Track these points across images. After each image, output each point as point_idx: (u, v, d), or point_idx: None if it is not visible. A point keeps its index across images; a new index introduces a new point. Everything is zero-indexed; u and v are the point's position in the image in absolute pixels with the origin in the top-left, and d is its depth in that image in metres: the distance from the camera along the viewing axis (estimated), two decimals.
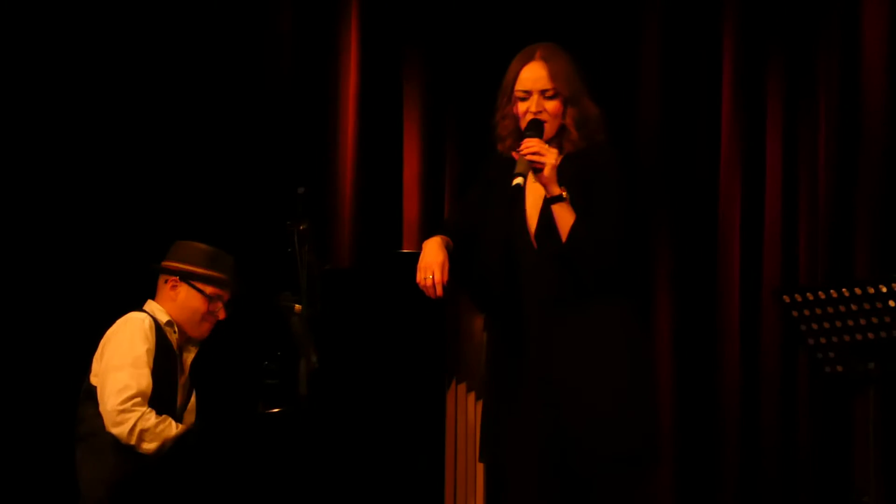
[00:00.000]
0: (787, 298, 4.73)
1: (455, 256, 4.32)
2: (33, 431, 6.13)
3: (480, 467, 4.86)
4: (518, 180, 4.20)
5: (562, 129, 4.37)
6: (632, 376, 4.32)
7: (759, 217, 6.26)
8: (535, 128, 4.32)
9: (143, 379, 4.91)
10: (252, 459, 4.51)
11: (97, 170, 6.32)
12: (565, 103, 4.35)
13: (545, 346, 4.31)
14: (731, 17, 6.32)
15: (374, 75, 6.51)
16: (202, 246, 5.15)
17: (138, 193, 6.32)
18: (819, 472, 6.09)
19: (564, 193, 4.26)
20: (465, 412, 4.77)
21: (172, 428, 4.92)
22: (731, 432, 6.21)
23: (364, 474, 4.45)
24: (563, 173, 4.33)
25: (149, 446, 4.87)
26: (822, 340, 4.70)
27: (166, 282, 5.12)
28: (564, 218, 4.27)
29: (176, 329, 5.10)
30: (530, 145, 4.25)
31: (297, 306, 4.67)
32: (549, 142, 4.35)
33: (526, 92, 4.36)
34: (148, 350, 4.96)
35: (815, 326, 4.69)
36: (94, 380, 4.98)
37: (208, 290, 5.10)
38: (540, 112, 4.34)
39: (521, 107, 4.36)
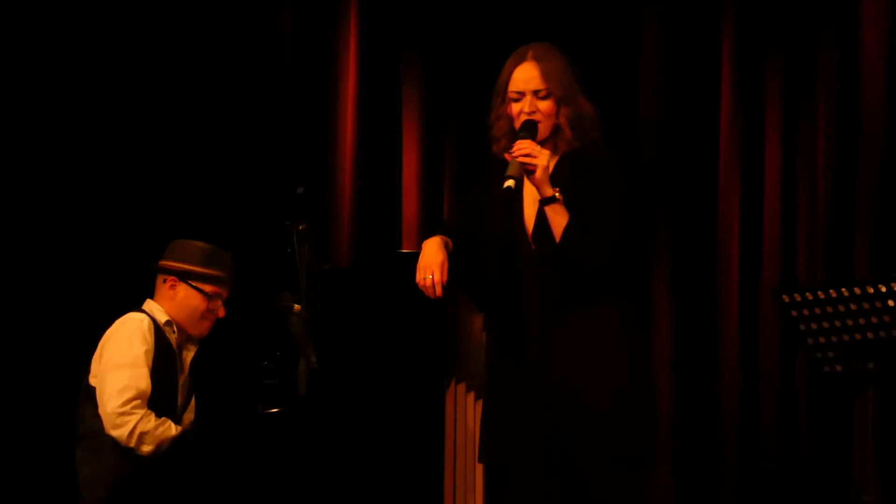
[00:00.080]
0: (786, 298, 4.73)
1: (454, 256, 4.32)
2: (33, 432, 6.12)
3: (480, 467, 4.86)
4: (509, 183, 4.20)
5: (556, 129, 4.37)
6: (631, 376, 4.32)
7: (758, 217, 6.26)
8: (528, 129, 4.32)
9: (142, 380, 4.91)
10: (251, 459, 4.51)
11: (96, 170, 6.31)
12: (558, 103, 4.35)
13: (544, 345, 4.31)
14: (731, 16, 6.32)
15: (374, 75, 6.51)
16: (199, 244, 5.15)
17: (138, 193, 6.32)
18: (818, 472, 6.09)
19: (557, 194, 4.26)
20: (465, 412, 4.77)
21: (172, 430, 4.92)
22: (730, 432, 6.21)
23: (363, 474, 4.45)
24: (559, 173, 4.34)
25: (149, 448, 4.87)
26: (822, 340, 4.70)
27: (165, 281, 5.12)
28: (558, 219, 4.27)
29: (175, 328, 5.10)
30: (522, 147, 4.24)
31: (297, 306, 4.67)
32: (543, 142, 4.35)
33: (519, 93, 4.36)
34: (146, 351, 4.96)
35: (814, 326, 4.69)
36: (92, 381, 4.98)
37: (207, 288, 5.10)
38: (533, 112, 4.34)
39: (515, 107, 4.37)
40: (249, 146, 6.41)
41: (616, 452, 4.27)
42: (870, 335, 4.62)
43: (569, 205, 4.27)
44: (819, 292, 4.67)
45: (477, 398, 4.79)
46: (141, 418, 4.87)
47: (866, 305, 4.59)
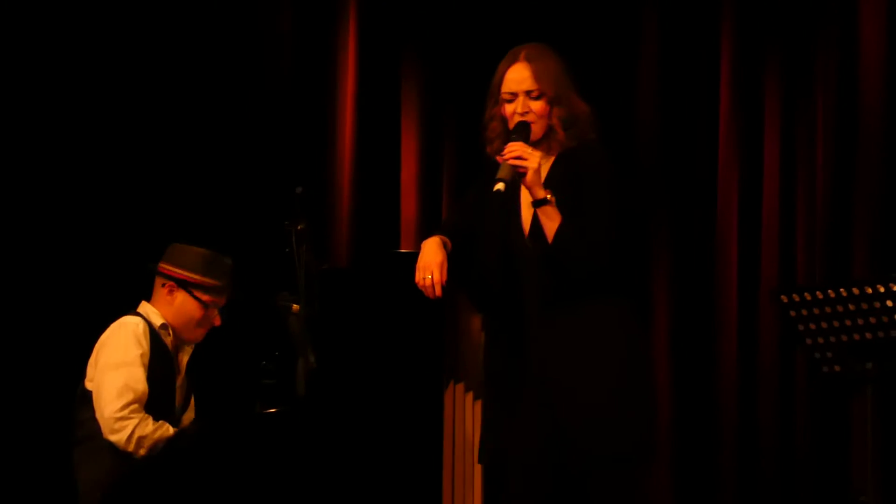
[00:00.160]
0: (784, 298, 4.73)
1: (453, 257, 4.32)
2: (30, 435, 6.11)
3: (478, 467, 4.86)
4: (498, 186, 4.20)
5: (550, 130, 4.37)
6: (629, 376, 4.32)
7: (756, 217, 6.26)
8: (521, 131, 4.32)
9: (138, 385, 4.90)
10: (250, 459, 4.51)
11: (94, 170, 6.31)
12: (551, 103, 4.35)
13: (543, 345, 4.31)
14: (729, 16, 6.32)
15: (373, 75, 6.51)
16: (201, 251, 5.11)
17: (136, 193, 6.31)
18: (817, 472, 6.09)
19: (549, 196, 4.26)
20: (464, 412, 4.77)
21: (169, 432, 4.91)
22: (728, 432, 6.21)
23: (362, 474, 4.45)
24: (554, 174, 4.34)
25: (147, 452, 4.86)
26: (820, 340, 4.71)
27: (163, 285, 5.10)
28: (550, 220, 4.27)
29: (170, 332, 5.08)
30: (513, 149, 4.24)
31: (295, 306, 4.67)
32: (537, 142, 4.36)
33: (511, 94, 4.36)
34: (142, 355, 4.94)
35: (812, 326, 4.69)
36: (89, 384, 4.97)
37: (205, 297, 5.08)
38: (526, 113, 4.34)
39: (508, 108, 4.37)
40: (248, 146, 6.40)
41: (614, 452, 4.27)
42: (868, 335, 4.62)
43: (563, 206, 4.27)
44: (818, 292, 4.67)
45: (476, 398, 4.79)
46: (139, 422, 4.86)
47: (865, 306, 4.59)
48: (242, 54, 6.45)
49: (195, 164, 6.36)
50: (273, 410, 4.57)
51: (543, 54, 4.39)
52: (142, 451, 4.86)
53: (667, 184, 6.33)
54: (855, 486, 5.88)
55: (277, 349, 4.74)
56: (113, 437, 4.86)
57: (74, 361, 5.08)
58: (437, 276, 4.24)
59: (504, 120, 4.38)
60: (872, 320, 4.61)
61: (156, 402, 4.94)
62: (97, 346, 5.00)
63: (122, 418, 4.85)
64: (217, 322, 5.12)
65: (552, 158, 4.39)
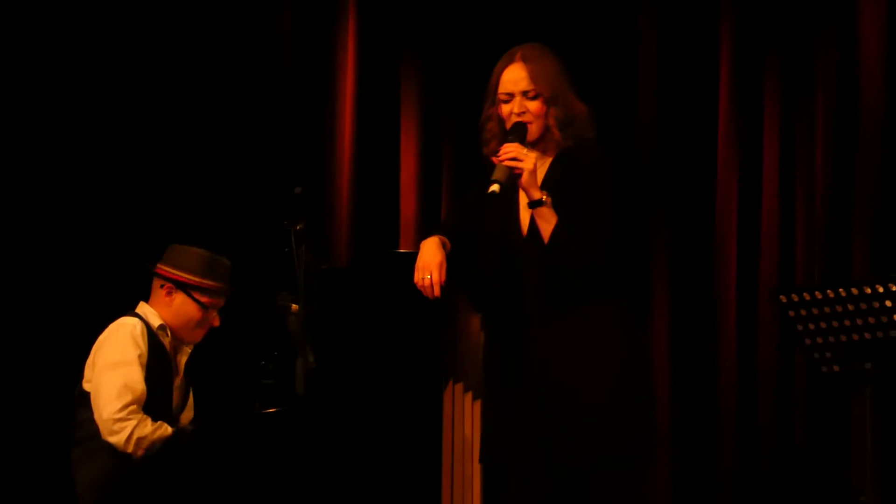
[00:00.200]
0: (783, 298, 4.74)
1: (452, 257, 4.32)
2: (28, 436, 6.10)
3: (478, 467, 4.85)
4: (493, 188, 4.20)
5: (546, 130, 4.37)
6: (628, 375, 4.32)
7: (756, 216, 6.26)
8: (517, 132, 4.32)
9: (136, 386, 4.90)
10: (249, 459, 4.51)
11: (93, 171, 6.30)
12: (548, 103, 4.35)
13: (543, 345, 4.31)
14: (729, 16, 6.31)
15: (372, 75, 6.50)
16: (200, 252, 5.10)
17: (135, 194, 6.31)
18: (816, 472, 6.09)
19: (545, 197, 4.26)
20: (463, 412, 4.77)
21: (168, 433, 4.90)
22: (727, 432, 6.21)
23: (361, 474, 4.45)
24: (552, 174, 4.34)
25: (146, 453, 4.86)
26: (819, 340, 4.71)
27: (162, 286, 5.09)
28: (546, 221, 4.27)
29: (168, 332, 5.08)
30: (508, 151, 4.25)
31: (294, 306, 4.67)
32: (535, 143, 4.36)
33: (508, 94, 4.36)
34: (140, 356, 4.93)
35: (811, 326, 4.70)
36: (86, 385, 4.96)
37: (204, 299, 5.07)
38: (523, 113, 4.35)
39: (505, 109, 4.37)
40: (248, 146, 6.40)
41: (614, 452, 4.27)
42: (867, 335, 4.62)
43: (561, 206, 4.27)
44: (817, 292, 4.67)
45: (475, 398, 4.79)
46: (137, 424, 4.85)
47: (864, 306, 4.59)
48: (242, 54, 6.44)
49: (194, 164, 6.36)
50: (272, 410, 4.57)
51: (540, 54, 4.39)
52: (140, 452, 4.86)
53: (666, 184, 6.32)
54: (854, 486, 5.87)
55: (277, 349, 4.74)
56: (112, 439, 4.85)
57: (72, 362, 5.08)
58: (435, 277, 4.24)
59: (501, 120, 4.38)
60: (871, 320, 4.61)
61: (154, 402, 4.94)
62: (95, 346, 5.00)
63: (120, 419, 4.85)
64: (216, 323, 5.12)
65: (550, 159, 4.39)
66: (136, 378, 4.90)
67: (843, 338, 4.67)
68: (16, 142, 6.27)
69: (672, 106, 6.34)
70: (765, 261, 6.22)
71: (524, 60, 4.36)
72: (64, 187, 6.28)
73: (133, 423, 4.85)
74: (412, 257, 4.31)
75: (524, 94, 4.35)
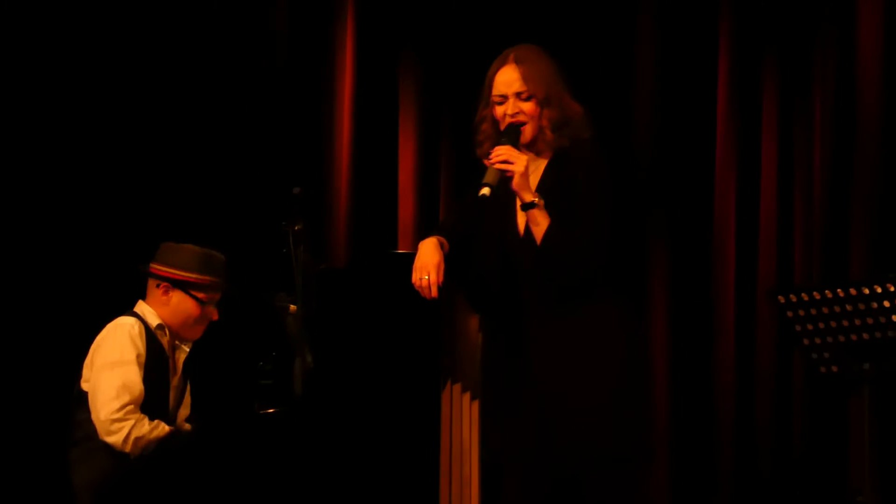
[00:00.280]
0: (782, 299, 4.74)
1: (451, 257, 4.32)
2: (25, 436, 6.10)
3: (476, 468, 4.85)
4: (483, 191, 4.20)
5: (540, 131, 4.38)
6: (627, 376, 4.32)
7: (754, 217, 6.26)
8: (510, 133, 4.33)
9: (134, 386, 4.89)
10: (247, 460, 4.51)
11: (90, 171, 6.30)
12: (541, 104, 4.36)
13: (541, 345, 4.32)
14: (728, 16, 6.32)
15: (370, 75, 6.50)
16: (193, 249, 5.09)
17: (133, 194, 6.30)
18: (814, 472, 6.10)
19: (537, 199, 4.26)
20: (461, 413, 4.76)
21: (165, 432, 4.90)
22: (726, 432, 6.22)
23: (359, 475, 4.45)
24: (548, 174, 4.35)
25: (142, 452, 4.86)
26: (818, 341, 4.71)
27: (158, 286, 5.08)
28: (539, 223, 4.27)
29: (167, 331, 5.07)
30: (499, 153, 4.25)
31: (293, 307, 4.67)
32: (530, 143, 4.37)
33: (502, 96, 4.37)
34: (138, 356, 4.93)
35: (810, 327, 4.70)
36: (84, 385, 4.96)
37: (202, 295, 5.07)
38: (517, 114, 4.35)
39: (499, 111, 4.38)
40: (245, 146, 6.40)
41: (612, 452, 4.28)
42: (865, 336, 4.62)
43: (557, 207, 4.27)
44: (815, 293, 4.67)
45: (473, 399, 4.79)
46: (135, 424, 4.85)
47: (862, 306, 4.59)
48: (239, 54, 6.44)
49: (192, 164, 6.36)
50: (270, 411, 4.56)
51: (533, 56, 4.39)
52: (137, 452, 4.85)
53: (664, 184, 6.33)
54: (852, 486, 5.88)
55: (275, 349, 4.74)
56: (109, 439, 4.85)
57: (70, 362, 5.07)
58: (433, 277, 4.25)
59: (495, 122, 4.39)
60: (870, 321, 4.61)
61: (152, 402, 4.94)
62: (93, 346, 5.00)
63: (118, 420, 4.85)
64: (215, 317, 5.12)
65: (546, 160, 4.39)
66: (134, 378, 4.90)
67: (842, 338, 4.67)
68: (13, 142, 6.26)
69: (670, 106, 6.35)
70: (763, 261, 6.23)
71: (517, 62, 4.36)
72: (62, 187, 6.28)
73: (130, 423, 4.85)
74: (410, 258, 4.31)
75: (517, 95, 4.35)
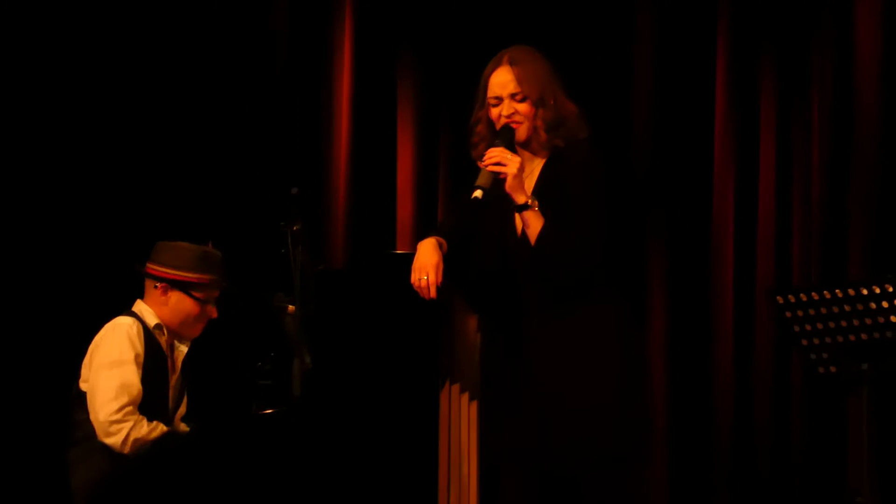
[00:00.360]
0: (780, 299, 4.74)
1: (449, 258, 4.32)
2: (24, 436, 6.10)
3: (474, 468, 4.85)
4: (476, 194, 4.21)
5: (535, 131, 4.38)
6: (626, 375, 4.33)
7: (752, 217, 6.26)
8: (504, 135, 4.34)
9: (133, 387, 4.89)
10: (245, 461, 4.50)
11: (88, 171, 6.29)
12: (536, 105, 4.36)
13: (540, 346, 4.32)
14: (725, 16, 6.32)
15: (368, 75, 6.50)
16: (189, 247, 5.07)
17: (131, 194, 6.30)
18: (812, 472, 6.10)
19: (530, 201, 4.27)
20: (459, 413, 4.76)
21: (164, 433, 4.90)
22: (724, 432, 6.22)
23: (358, 476, 4.44)
24: (544, 175, 4.35)
25: (140, 452, 4.85)
26: (816, 341, 4.71)
27: (156, 286, 5.07)
28: (532, 224, 4.28)
29: (165, 331, 5.07)
30: (492, 155, 4.26)
31: (291, 307, 4.66)
32: (526, 144, 4.37)
33: (497, 98, 4.38)
34: (136, 356, 4.92)
35: (808, 327, 4.70)
36: (83, 385, 4.95)
37: (200, 294, 5.07)
38: (513, 114, 4.35)
39: (494, 112, 4.39)
40: (244, 146, 6.40)
41: (612, 452, 4.28)
42: (864, 336, 4.63)
43: (553, 208, 4.27)
44: (813, 293, 4.68)
45: (471, 399, 4.79)
46: (134, 425, 4.84)
47: (860, 307, 4.60)
48: (238, 54, 6.44)
49: (190, 164, 6.36)
50: (269, 411, 4.56)
51: (527, 57, 4.40)
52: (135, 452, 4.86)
53: (663, 184, 6.33)
54: (851, 486, 5.88)
55: (273, 350, 4.73)
56: (108, 440, 4.85)
57: (69, 362, 5.07)
58: (432, 278, 4.25)
59: (490, 124, 4.40)
60: (868, 321, 4.61)
61: (150, 403, 4.93)
62: (91, 346, 4.99)
63: (117, 421, 4.84)
64: (214, 314, 5.11)
65: (542, 160, 4.40)
66: (132, 378, 4.90)
67: (840, 338, 4.67)
68: (10, 143, 6.26)
69: (668, 106, 6.35)
70: (761, 261, 6.23)
71: (511, 63, 4.37)
72: (60, 188, 6.27)
73: (129, 424, 4.84)
74: (409, 258, 4.31)
75: (512, 96, 4.36)
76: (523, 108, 4.36)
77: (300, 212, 4.67)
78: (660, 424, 6.17)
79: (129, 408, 4.86)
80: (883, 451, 5.81)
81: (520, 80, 4.35)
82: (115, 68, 6.33)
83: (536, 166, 4.40)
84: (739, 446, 6.21)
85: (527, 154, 4.40)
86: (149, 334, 5.00)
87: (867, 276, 5.82)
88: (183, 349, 5.14)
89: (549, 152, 4.39)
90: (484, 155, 4.28)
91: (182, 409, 5.17)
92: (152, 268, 5.07)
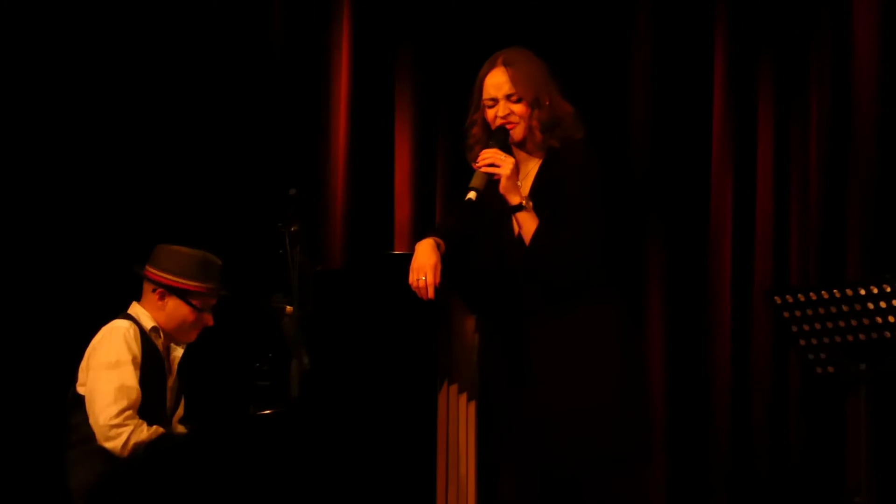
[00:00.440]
0: (778, 299, 4.74)
1: (447, 258, 4.32)
2: (22, 439, 6.09)
3: (473, 469, 4.85)
4: (470, 195, 4.21)
5: (530, 132, 4.38)
6: (625, 375, 4.33)
7: (750, 218, 6.26)
8: (498, 136, 4.34)
9: (131, 391, 4.88)
10: (243, 462, 4.50)
11: (86, 172, 6.29)
12: (531, 106, 4.36)
13: (538, 346, 4.32)
14: (723, 17, 6.32)
15: (366, 75, 6.50)
16: (189, 253, 5.05)
17: (129, 195, 6.30)
18: (811, 473, 6.10)
19: (524, 202, 4.27)
20: (457, 414, 4.76)
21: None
22: (722, 432, 6.22)
23: (356, 476, 4.44)
24: (541, 176, 4.35)
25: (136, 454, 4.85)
26: (814, 341, 4.71)
27: (154, 290, 5.06)
28: (526, 225, 4.28)
29: (161, 334, 5.06)
30: (486, 157, 4.27)
31: (289, 308, 4.66)
32: (520, 144, 4.37)
33: (492, 99, 4.38)
34: (133, 359, 4.91)
35: (806, 327, 4.70)
36: (80, 389, 4.95)
37: (198, 302, 5.06)
38: (508, 115, 4.36)
39: (490, 113, 4.39)
40: (241, 147, 6.40)
41: (612, 452, 4.28)
42: (862, 336, 4.63)
43: (549, 209, 4.27)
44: (811, 294, 4.68)
45: (470, 400, 4.79)
46: (134, 429, 4.83)
47: (858, 307, 4.60)
48: (236, 54, 6.44)
49: (188, 165, 6.35)
50: (267, 412, 4.56)
51: (522, 58, 4.40)
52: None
53: (661, 184, 6.33)
54: (849, 486, 5.88)
55: (271, 351, 4.73)
56: (108, 444, 4.83)
57: (66, 365, 5.06)
58: (430, 278, 4.25)
59: (486, 125, 4.41)
60: (866, 321, 4.61)
61: (148, 405, 4.92)
62: (88, 350, 4.98)
63: (116, 426, 4.83)
64: (210, 322, 5.10)
65: (538, 161, 4.40)
66: (130, 381, 4.89)
67: (838, 339, 4.67)
68: (10, 143, 6.25)
69: (666, 106, 6.35)
70: (759, 262, 6.23)
71: (506, 65, 4.37)
72: (57, 189, 6.27)
73: (129, 428, 4.83)
74: (407, 259, 4.31)
75: (507, 97, 4.37)
76: (519, 108, 4.36)
77: (298, 212, 4.67)
78: (658, 424, 6.17)
79: (129, 412, 4.85)
80: (881, 452, 5.81)
81: (514, 81, 4.35)
82: (114, 69, 6.33)
83: (532, 167, 4.40)
84: (737, 446, 6.21)
85: (523, 155, 4.40)
86: (145, 337, 4.99)
87: (865, 277, 5.82)
88: (179, 351, 5.13)
89: (545, 153, 4.39)
90: (478, 157, 4.29)
91: (180, 412, 5.17)
92: (151, 272, 5.05)
